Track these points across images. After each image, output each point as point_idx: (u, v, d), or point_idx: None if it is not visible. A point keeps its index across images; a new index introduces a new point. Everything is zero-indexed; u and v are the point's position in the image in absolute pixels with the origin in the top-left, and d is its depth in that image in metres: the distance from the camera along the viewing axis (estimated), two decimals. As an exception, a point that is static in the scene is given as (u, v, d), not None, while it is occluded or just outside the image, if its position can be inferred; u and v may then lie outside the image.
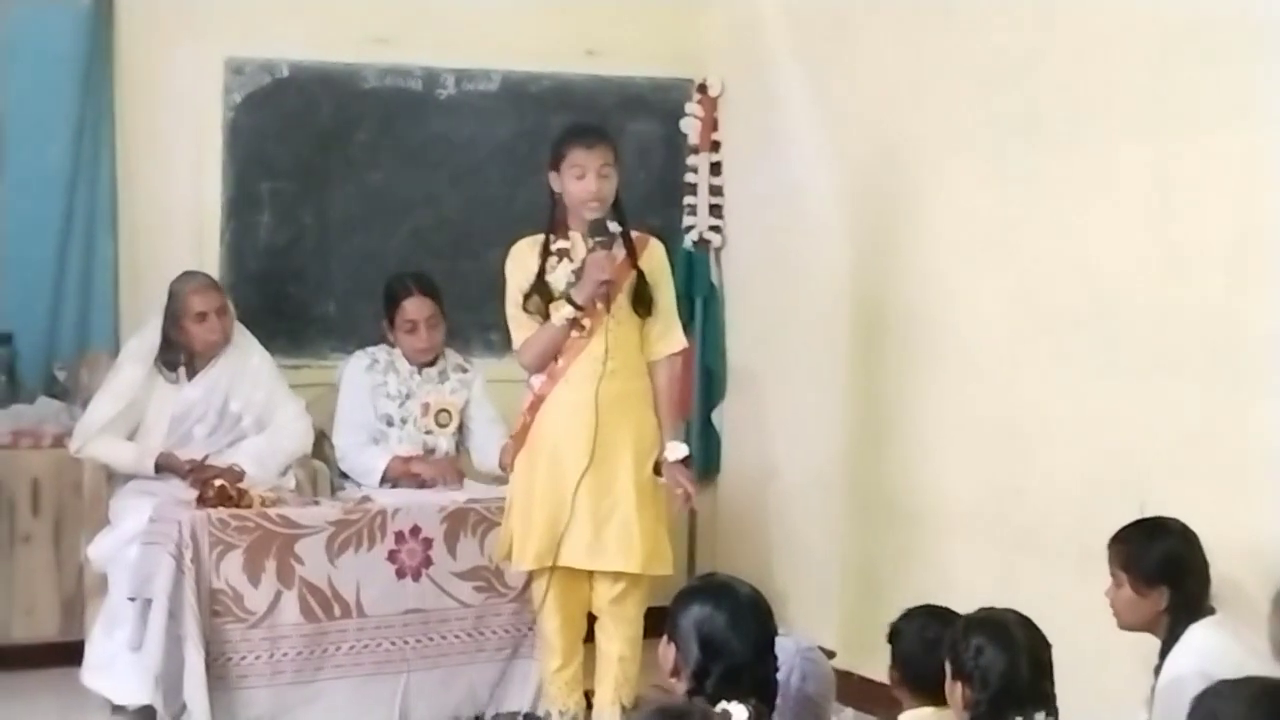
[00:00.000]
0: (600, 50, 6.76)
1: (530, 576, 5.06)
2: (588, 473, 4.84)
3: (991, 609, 3.62)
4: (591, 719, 5.07)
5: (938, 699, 3.69)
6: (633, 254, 4.96)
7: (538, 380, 4.98)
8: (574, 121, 5.36)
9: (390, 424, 5.81)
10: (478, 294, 5.98)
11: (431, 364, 5.91)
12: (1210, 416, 4.54)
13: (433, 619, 5.37)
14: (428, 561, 5.35)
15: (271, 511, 5.23)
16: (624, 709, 4.91)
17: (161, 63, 6.28)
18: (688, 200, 6.78)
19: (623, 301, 4.93)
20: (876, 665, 5.37)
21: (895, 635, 3.96)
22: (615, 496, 4.87)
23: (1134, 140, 4.79)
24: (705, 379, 6.74)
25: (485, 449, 5.85)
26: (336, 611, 5.24)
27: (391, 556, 5.32)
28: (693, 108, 6.79)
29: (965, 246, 5.44)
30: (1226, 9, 4.51)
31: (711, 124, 6.78)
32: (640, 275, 4.96)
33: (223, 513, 5.17)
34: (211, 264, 6.23)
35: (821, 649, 4.15)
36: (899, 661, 3.94)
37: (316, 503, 5.52)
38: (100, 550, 5.44)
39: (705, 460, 6.64)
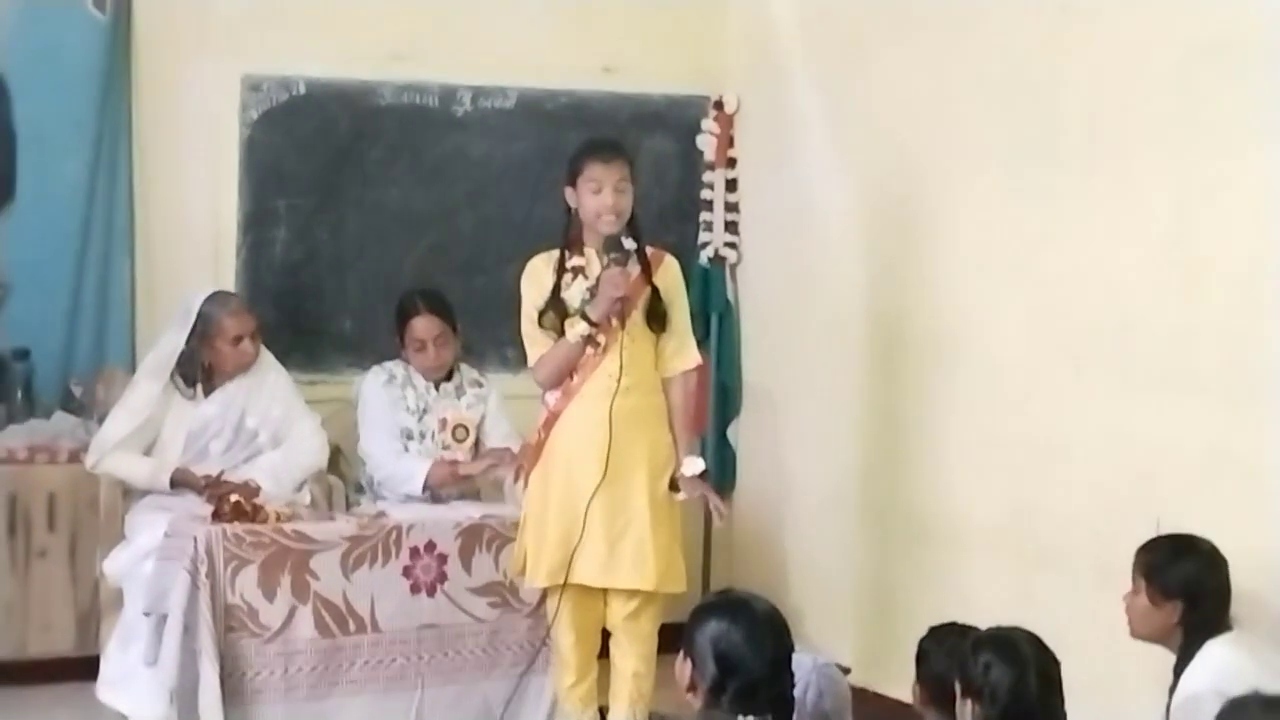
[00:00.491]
0: (617, 67, 6.77)
1: (544, 593, 5.06)
2: (602, 489, 4.84)
3: (1000, 627, 3.63)
4: (606, 735, 5.08)
5: (964, 718, 3.69)
6: (647, 270, 4.96)
7: (552, 397, 4.98)
8: (590, 137, 5.37)
9: (409, 438, 5.81)
10: (493, 310, 5.99)
11: (447, 379, 5.91)
12: (1228, 434, 4.53)
13: (447, 634, 5.36)
14: (442, 577, 5.35)
15: (287, 527, 5.23)
16: (638, 725, 4.92)
17: (179, 79, 6.30)
18: (703, 216, 6.78)
19: (637, 318, 4.93)
20: (892, 682, 5.39)
21: (922, 654, 3.95)
22: (629, 513, 4.87)
23: (1153, 159, 4.79)
24: (721, 395, 6.74)
25: (500, 466, 5.85)
26: (351, 627, 5.24)
27: (406, 572, 5.31)
28: (709, 124, 6.79)
29: (983, 263, 5.44)
30: (1246, 28, 4.51)
31: (728, 140, 6.79)
32: (655, 291, 4.97)
33: (238, 528, 5.17)
34: (228, 280, 6.24)
35: (838, 665, 4.14)
36: (926, 680, 3.93)
37: (332, 518, 5.51)
38: (116, 565, 5.44)
39: (720, 476, 6.63)
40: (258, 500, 5.34)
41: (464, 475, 5.73)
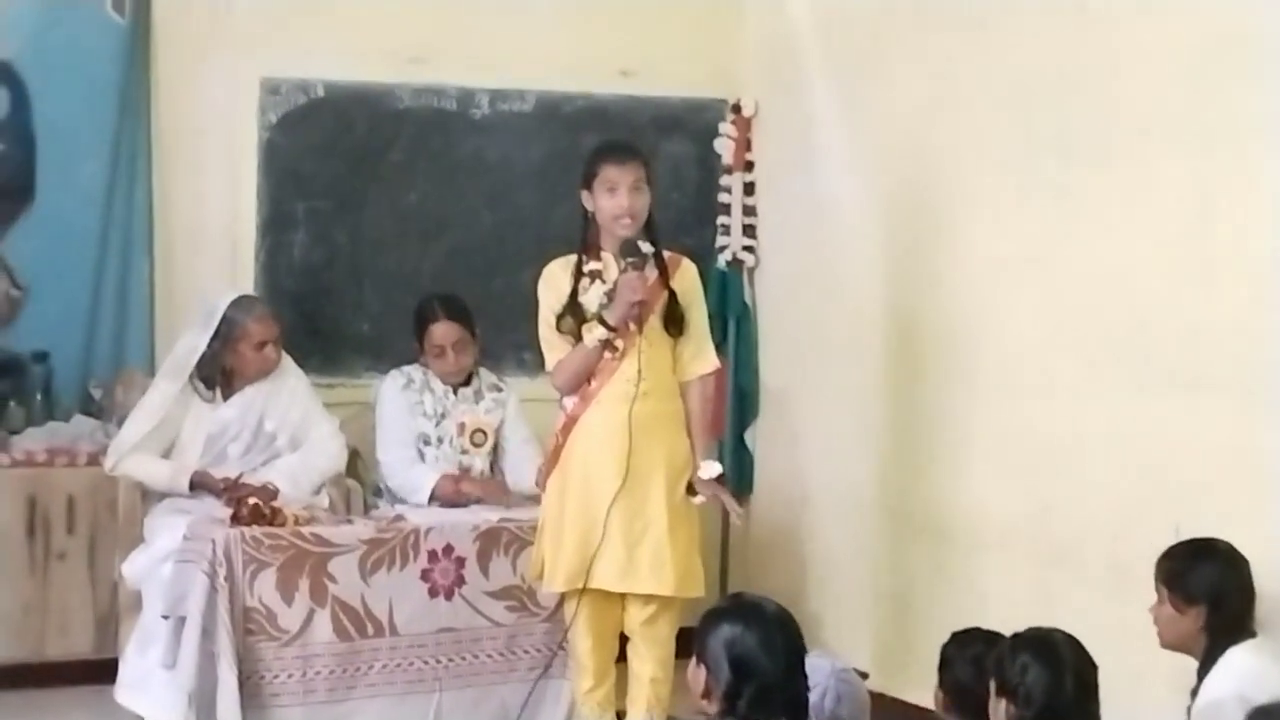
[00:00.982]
0: (634, 70, 6.77)
1: (562, 597, 5.05)
2: (620, 494, 4.83)
3: (1040, 628, 3.61)
4: (624, 740, 5.08)
5: (986, 724, 3.68)
6: (665, 274, 4.96)
7: (570, 401, 4.98)
8: (606, 139, 5.37)
9: (427, 443, 5.81)
10: (511, 314, 5.99)
11: (466, 384, 5.91)
12: (1246, 433, 4.52)
13: (465, 638, 5.37)
14: (460, 581, 5.35)
15: (305, 530, 5.24)
16: (656, 730, 4.92)
17: (197, 82, 6.31)
18: (721, 220, 6.78)
19: (655, 322, 4.92)
20: (911, 687, 5.39)
21: (945, 660, 3.94)
22: (647, 518, 4.87)
23: (1169, 156, 4.78)
24: (738, 398, 6.73)
25: (519, 469, 5.84)
26: (369, 630, 5.24)
27: (424, 575, 5.32)
28: (726, 127, 6.78)
29: (1000, 263, 5.43)
30: (1261, 24, 4.50)
31: (745, 144, 6.78)
32: (672, 295, 4.96)
33: (256, 531, 5.17)
34: (246, 283, 6.26)
35: (855, 670, 4.13)
36: (949, 686, 3.92)
37: (350, 521, 5.51)
38: (134, 568, 5.45)
39: (738, 480, 6.62)
40: (276, 503, 5.35)
41: (465, 493, 5.72)
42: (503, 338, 6.28)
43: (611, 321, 4.83)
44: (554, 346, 4.97)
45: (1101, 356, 5.01)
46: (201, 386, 5.71)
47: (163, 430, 5.65)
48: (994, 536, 5.41)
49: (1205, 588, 4.07)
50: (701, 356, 5.04)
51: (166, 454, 5.66)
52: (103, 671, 5.57)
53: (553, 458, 5.02)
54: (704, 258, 6.13)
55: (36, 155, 6.18)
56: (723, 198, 6.79)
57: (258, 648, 5.14)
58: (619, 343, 4.87)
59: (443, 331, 5.83)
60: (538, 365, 5.29)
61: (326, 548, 5.21)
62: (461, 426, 5.83)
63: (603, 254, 4.95)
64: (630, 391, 4.85)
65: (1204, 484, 4.60)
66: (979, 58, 5.54)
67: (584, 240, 4.99)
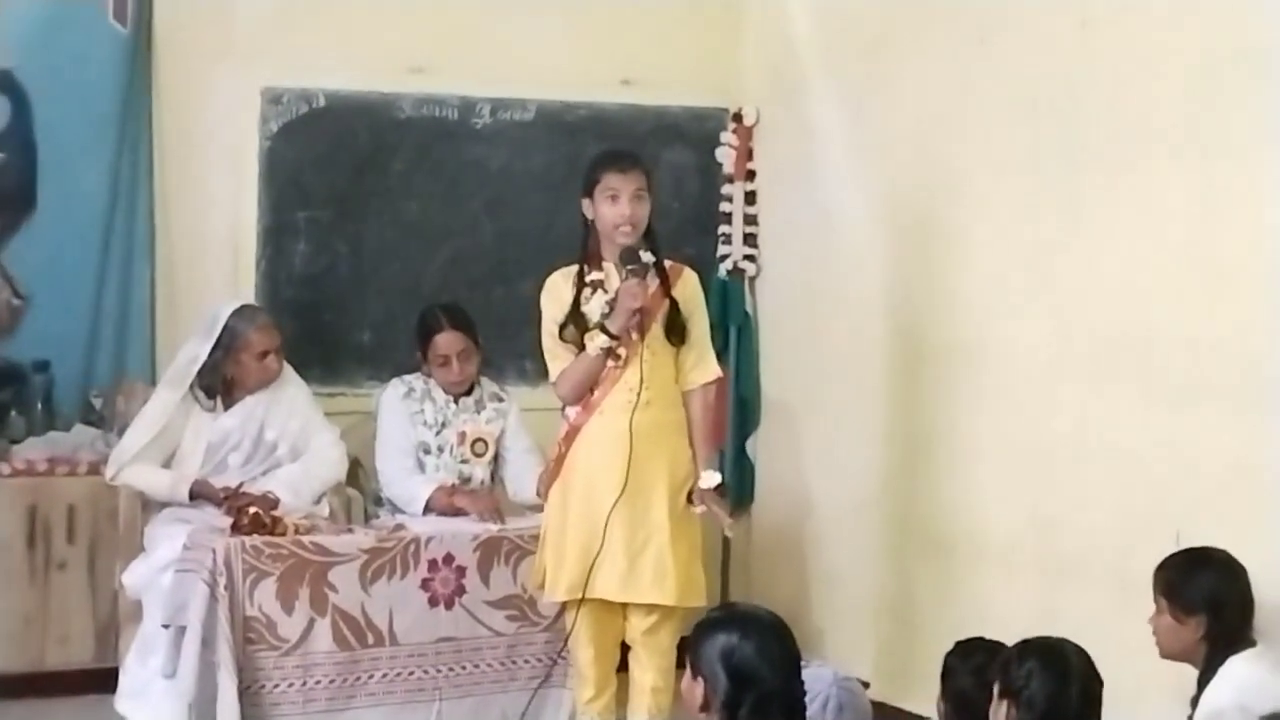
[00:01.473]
0: (636, 79, 6.77)
1: (563, 606, 5.05)
2: (622, 503, 4.83)
3: (1049, 636, 3.60)
4: (624, 749, 5.07)
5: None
6: (666, 283, 4.96)
7: (573, 411, 4.97)
8: (607, 148, 5.36)
9: (427, 452, 5.81)
10: (513, 323, 6.00)
11: (467, 393, 5.91)
12: (1250, 446, 4.52)
13: (465, 647, 5.37)
14: (461, 590, 5.35)
15: (305, 539, 5.24)
16: (657, 739, 4.91)
17: (199, 91, 6.32)
18: (723, 229, 6.78)
19: (657, 331, 4.92)
20: (913, 697, 5.38)
21: (948, 670, 3.93)
22: (649, 527, 4.86)
23: (1174, 168, 4.78)
24: (740, 408, 6.72)
25: (520, 479, 5.84)
26: (369, 639, 5.25)
27: (425, 585, 5.32)
28: (728, 136, 6.78)
29: (1003, 274, 5.42)
30: (1268, 35, 4.50)
31: (747, 153, 6.78)
32: (674, 304, 4.96)
33: (257, 540, 5.18)
34: (247, 292, 6.26)
35: (857, 680, 4.12)
36: (951, 696, 3.90)
37: (350, 530, 5.52)
38: (135, 577, 5.45)
39: (740, 490, 6.62)
40: (276, 512, 5.36)
41: (458, 507, 5.71)
42: (504, 347, 6.27)
43: (613, 330, 4.83)
44: (556, 356, 4.97)
45: (1106, 368, 5.01)
46: (202, 396, 5.71)
47: (163, 440, 5.65)
48: (997, 548, 5.41)
49: (1204, 597, 4.07)
50: (703, 365, 5.04)
51: (167, 463, 5.67)
52: (103, 681, 5.57)
53: (555, 467, 5.02)
54: (705, 267, 6.13)
55: (38, 164, 6.18)
56: (724, 207, 6.79)
57: (258, 657, 5.14)
58: (621, 351, 4.87)
59: (447, 341, 5.83)
60: (539, 375, 5.29)
61: (327, 557, 5.21)
62: (462, 436, 5.83)
63: (604, 263, 4.95)
64: (632, 400, 4.85)
65: (1208, 496, 4.59)
66: (983, 68, 5.54)
67: (585, 250, 4.99)
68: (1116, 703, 3.62)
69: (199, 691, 5.04)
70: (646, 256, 4.90)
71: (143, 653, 5.34)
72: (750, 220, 6.77)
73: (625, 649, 5.05)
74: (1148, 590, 4.19)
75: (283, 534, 5.24)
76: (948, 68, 5.70)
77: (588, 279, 4.95)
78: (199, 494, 5.59)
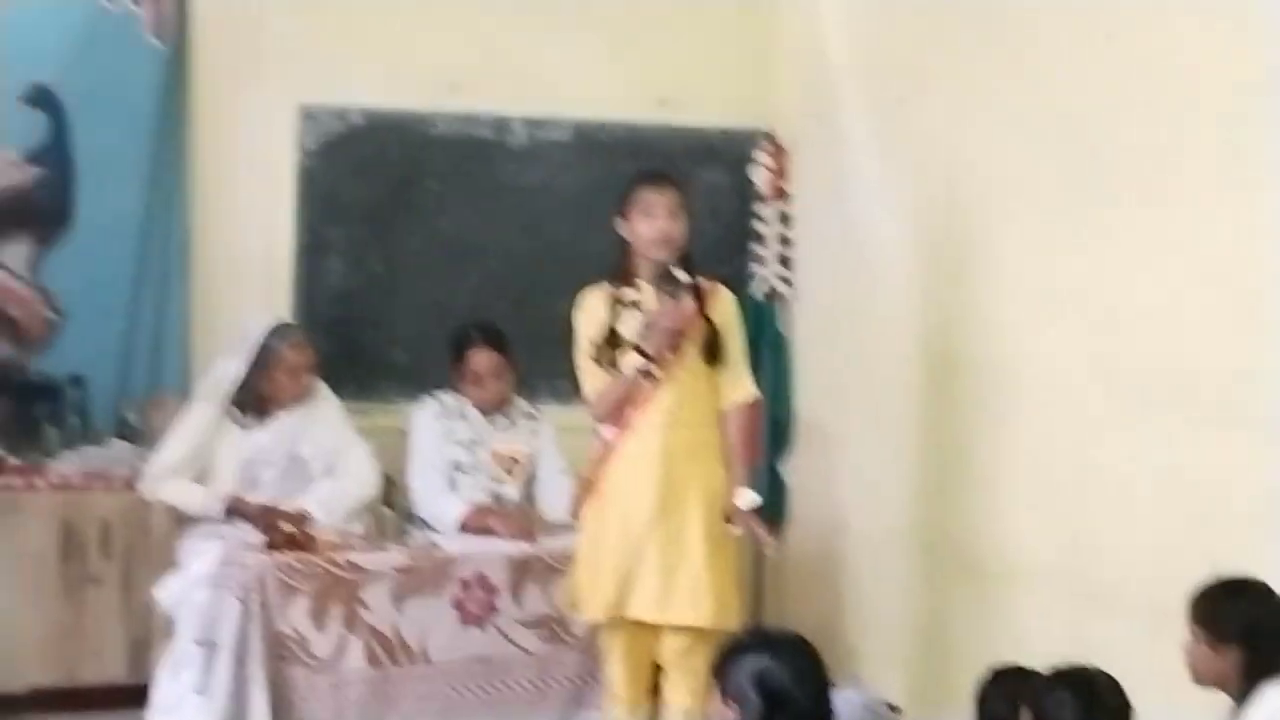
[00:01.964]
0: (672, 99, 6.78)
1: (596, 626, 5.04)
2: (657, 523, 4.82)
3: (1081, 664, 3.58)
4: (656, 770, 5.06)
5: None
6: (702, 303, 4.95)
7: (608, 430, 4.97)
8: (644, 167, 5.37)
9: (459, 470, 5.82)
10: (547, 342, 5.96)
11: (501, 412, 5.92)
12: (1286, 472, 4.49)
13: (497, 667, 5.38)
14: (493, 609, 5.36)
15: (338, 557, 5.26)
16: (688, 760, 4.90)
17: (236, 108, 6.35)
18: (756, 250, 6.75)
19: (692, 351, 4.91)
20: (944, 721, 5.35)
21: (981, 696, 3.91)
22: (684, 548, 4.85)
23: (1211, 193, 4.74)
24: (773, 429, 6.69)
25: (553, 499, 5.84)
26: (401, 658, 5.26)
27: (457, 603, 5.33)
28: (763, 157, 6.75)
29: (1038, 299, 5.40)
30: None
31: (781, 173, 6.75)
32: (710, 325, 4.95)
33: (290, 557, 5.20)
34: (282, 308, 6.29)
35: (888, 705, 4.11)
36: None
37: (383, 548, 5.51)
38: (168, 593, 5.45)
39: (772, 511, 6.56)
40: (310, 529, 5.37)
41: (490, 527, 5.70)
42: (538, 366, 6.26)
43: (648, 349, 4.82)
44: (591, 374, 4.96)
45: (1140, 393, 4.97)
46: (237, 412, 5.73)
47: (198, 455, 5.67)
48: (1030, 573, 5.38)
49: (1239, 626, 4.03)
50: (739, 386, 5.03)
51: (201, 479, 5.68)
52: (136, 696, 5.56)
53: (589, 486, 5.01)
54: (739, 288, 6.11)
55: (75, 180, 6.21)
56: (758, 227, 6.76)
57: (290, 674, 5.15)
58: (656, 371, 4.86)
59: (481, 359, 5.84)
60: (573, 394, 5.28)
61: (359, 574, 5.23)
62: (495, 454, 5.84)
63: (640, 283, 4.95)
64: (667, 420, 4.84)
65: (1243, 523, 4.55)
66: (1017, 89, 5.52)
67: (621, 269, 4.99)
68: (1150, 730, 3.61)
69: (231, 708, 5.06)
70: (682, 276, 4.89)
71: (176, 668, 5.34)
72: (785, 241, 6.73)
73: (658, 671, 5.03)
74: (1182, 617, 4.16)
75: (316, 551, 5.26)
76: (982, 89, 5.69)
77: (623, 298, 4.95)
78: (233, 510, 5.60)
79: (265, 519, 5.49)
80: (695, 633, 4.87)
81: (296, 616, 5.15)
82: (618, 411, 4.91)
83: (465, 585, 5.33)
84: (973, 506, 5.67)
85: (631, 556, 4.82)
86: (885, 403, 6.16)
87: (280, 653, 5.13)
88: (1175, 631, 4.14)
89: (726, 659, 3.41)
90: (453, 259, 6.62)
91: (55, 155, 6.21)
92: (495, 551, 5.44)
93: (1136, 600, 4.86)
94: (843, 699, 3.49)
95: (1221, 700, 4.07)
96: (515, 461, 5.86)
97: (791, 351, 6.73)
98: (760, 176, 6.75)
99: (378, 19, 6.48)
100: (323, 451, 5.80)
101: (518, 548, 5.48)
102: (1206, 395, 4.73)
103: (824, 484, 6.59)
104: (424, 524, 5.80)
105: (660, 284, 4.86)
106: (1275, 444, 4.50)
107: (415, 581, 5.27)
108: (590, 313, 4.98)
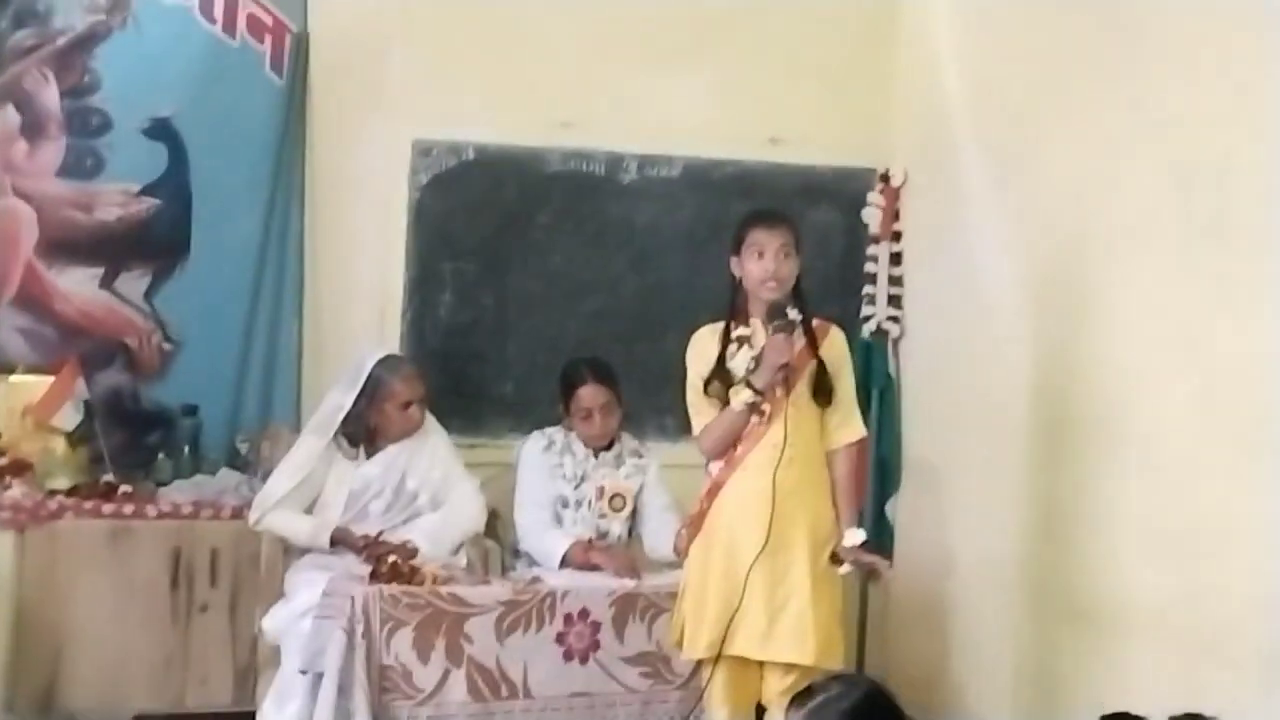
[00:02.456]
0: (783, 138, 6.78)
1: (699, 664, 5.01)
2: (763, 560, 4.80)
3: (1195, 713, 3.52)
4: (757, 811, 5.02)
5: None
6: (813, 342, 4.94)
7: (716, 466, 4.96)
8: (756, 206, 5.37)
9: (565, 506, 5.82)
10: (654, 379, 6.00)
11: (608, 448, 5.92)
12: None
13: (599, 703, 5.35)
14: (596, 645, 5.34)
15: (443, 589, 5.25)
16: (790, 802, 4.85)
17: (351, 143, 6.43)
18: (867, 290, 6.74)
19: (802, 390, 4.90)
20: (1053, 769, 5.28)
21: None
22: (790, 586, 4.83)
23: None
24: (880, 470, 6.67)
25: (658, 536, 5.83)
26: (504, 691, 5.24)
27: (560, 639, 5.31)
28: (875, 197, 6.76)
29: (1150, 343, 5.33)
30: None
31: (893, 214, 6.75)
32: (820, 364, 4.94)
33: (395, 589, 5.20)
34: (393, 341, 6.34)
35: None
36: None
37: (487, 582, 5.52)
38: (274, 622, 5.49)
39: (878, 552, 6.55)
40: (415, 562, 5.38)
41: (594, 564, 5.69)
42: (645, 403, 6.27)
43: (758, 385, 4.82)
44: (701, 411, 4.96)
45: (1253, 440, 4.89)
46: (346, 443, 5.76)
47: (307, 486, 5.71)
48: (1140, 620, 5.30)
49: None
50: (848, 425, 5.02)
51: (309, 510, 5.72)
52: (240, 724, 5.63)
53: (697, 522, 4.99)
54: (849, 327, 6.09)
55: (192, 212, 6.30)
56: (869, 267, 6.75)
57: (393, 706, 5.15)
58: (765, 408, 4.85)
59: (590, 394, 5.85)
60: (680, 431, 5.28)
61: (463, 608, 5.22)
62: (601, 491, 5.84)
63: (751, 320, 4.94)
64: (776, 457, 4.82)
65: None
66: (1135, 135, 5.45)
67: (733, 306, 4.99)
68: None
69: (334, 737, 5.07)
70: (793, 314, 4.89)
71: (280, 698, 5.36)
72: (895, 281, 6.73)
73: (761, 712, 5.00)
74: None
75: (421, 583, 5.26)
76: (1097, 133, 5.63)
77: (734, 334, 4.95)
78: (339, 541, 5.63)
79: (371, 550, 5.51)
80: (799, 671, 4.83)
81: (400, 648, 5.15)
82: (726, 448, 4.91)
83: (568, 620, 5.31)
84: (1081, 550, 5.59)
85: (737, 593, 4.80)
86: (994, 444, 6.10)
87: (383, 684, 5.13)
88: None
89: (823, 713, 3.35)
90: (562, 295, 6.64)
91: (173, 187, 6.32)
92: (599, 587, 5.43)
93: (1247, 649, 4.78)
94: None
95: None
96: (621, 498, 5.86)
97: (900, 391, 6.71)
98: (872, 216, 6.75)
99: (492, 56, 6.53)
100: (430, 484, 5.82)
101: (621, 584, 5.46)
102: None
103: (930, 525, 6.54)
104: (529, 559, 5.80)
105: (771, 321, 4.85)
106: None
107: (518, 615, 5.26)
108: (701, 348, 4.99)
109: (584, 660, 5.34)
